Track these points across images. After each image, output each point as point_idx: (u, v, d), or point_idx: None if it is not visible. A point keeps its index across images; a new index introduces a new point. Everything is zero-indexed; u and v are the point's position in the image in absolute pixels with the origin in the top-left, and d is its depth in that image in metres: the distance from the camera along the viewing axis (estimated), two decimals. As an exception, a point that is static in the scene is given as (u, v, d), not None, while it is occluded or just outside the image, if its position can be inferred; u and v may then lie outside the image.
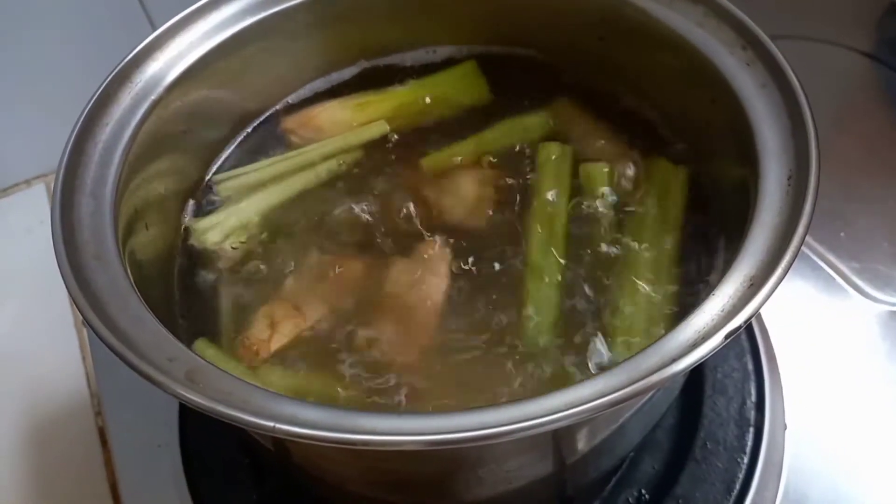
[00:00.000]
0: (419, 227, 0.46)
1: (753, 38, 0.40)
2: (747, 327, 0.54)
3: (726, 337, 0.29)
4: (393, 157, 0.50)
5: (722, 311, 0.31)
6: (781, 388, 0.54)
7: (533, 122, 0.50)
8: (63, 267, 0.34)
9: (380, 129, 0.51)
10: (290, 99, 0.53)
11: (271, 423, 0.28)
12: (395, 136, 0.51)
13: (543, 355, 0.41)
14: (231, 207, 0.48)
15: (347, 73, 0.53)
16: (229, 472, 0.52)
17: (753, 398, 0.52)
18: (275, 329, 0.43)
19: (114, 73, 0.42)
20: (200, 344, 0.42)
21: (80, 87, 0.43)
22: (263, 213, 0.48)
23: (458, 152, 0.49)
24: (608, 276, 0.43)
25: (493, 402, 0.30)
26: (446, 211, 0.47)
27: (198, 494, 0.51)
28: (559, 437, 0.38)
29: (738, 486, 0.49)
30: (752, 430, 0.51)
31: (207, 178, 0.49)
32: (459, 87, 0.52)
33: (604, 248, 0.44)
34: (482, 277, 0.44)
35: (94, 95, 0.41)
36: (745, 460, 0.50)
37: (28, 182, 0.84)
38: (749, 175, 0.37)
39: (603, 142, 0.49)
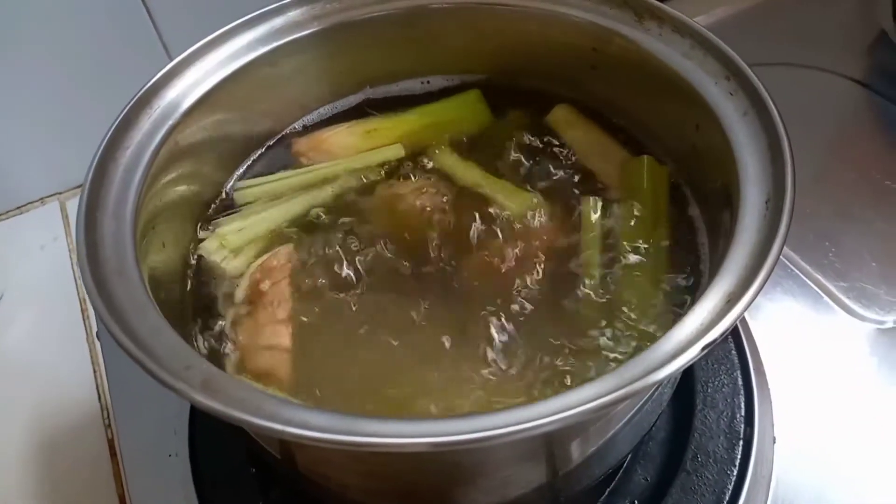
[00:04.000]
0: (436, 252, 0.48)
1: (737, 69, 0.43)
2: (737, 344, 0.56)
3: (703, 348, 0.31)
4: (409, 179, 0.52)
5: (701, 325, 0.33)
6: (771, 402, 0.56)
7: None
8: (87, 282, 0.36)
9: (396, 151, 0.53)
10: (301, 123, 0.55)
11: (282, 427, 0.30)
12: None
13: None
14: (246, 220, 0.50)
15: (353, 100, 0.56)
16: (237, 480, 0.53)
17: (743, 412, 0.53)
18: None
19: (134, 99, 0.44)
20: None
21: (93, 110, 0.45)
22: (278, 227, 0.50)
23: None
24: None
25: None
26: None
27: (206, 503, 0.53)
28: (552, 446, 0.40)
29: (727, 498, 0.50)
30: (741, 443, 0.52)
31: (219, 198, 0.52)
32: (464, 114, 0.55)
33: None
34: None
35: (116, 120, 0.43)
36: (735, 472, 0.51)
37: (42, 200, 0.85)
38: (731, 197, 0.40)
39: (598, 146, 0.52)
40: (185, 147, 0.46)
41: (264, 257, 0.48)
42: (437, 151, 0.52)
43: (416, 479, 0.41)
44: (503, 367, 0.43)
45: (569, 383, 0.41)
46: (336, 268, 0.48)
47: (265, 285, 0.46)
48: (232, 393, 0.32)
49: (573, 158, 0.52)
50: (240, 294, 0.47)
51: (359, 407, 0.42)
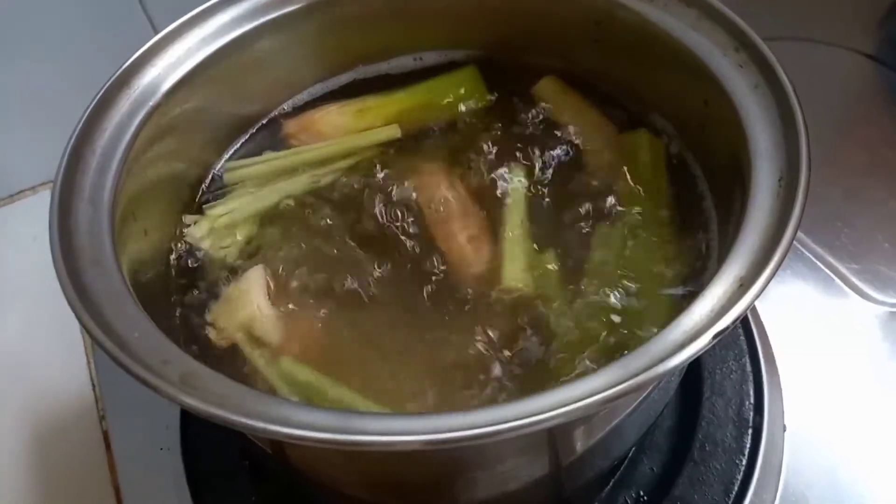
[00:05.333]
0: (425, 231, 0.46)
1: (746, 40, 0.41)
2: (746, 329, 0.55)
3: (714, 337, 0.29)
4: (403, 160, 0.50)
5: (711, 311, 0.31)
6: (781, 389, 0.54)
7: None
8: (60, 271, 0.34)
9: (391, 132, 0.51)
10: (290, 104, 0.53)
11: (264, 425, 0.28)
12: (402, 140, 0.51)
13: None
14: (236, 202, 0.48)
15: (344, 78, 0.54)
16: (229, 475, 0.52)
17: (752, 399, 0.52)
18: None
19: (112, 79, 0.43)
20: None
21: (85, 94, 0.43)
22: (266, 210, 0.48)
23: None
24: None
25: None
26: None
27: (199, 497, 0.51)
28: (554, 438, 0.38)
29: (736, 488, 0.49)
30: (750, 431, 0.51)
31: (207, 182, 0.50)
32: (459, 91, 0.52)
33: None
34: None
35: (92, 101, 0.42)
36: (744, 462, 0.50)
37: (34, 189, 0.84)
38: (742, 174, 0.38)
39: (591, 118, 0.50)
40: (168, 129, 0.45)
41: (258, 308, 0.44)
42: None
43: (412, 472, 0.40)
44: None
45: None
46: (330, 254, 0.46)
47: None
48: (212, 389, 0.31)
49: (559, 135, 0.50)
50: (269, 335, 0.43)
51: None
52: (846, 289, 0.61)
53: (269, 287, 0.44)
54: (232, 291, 0.44)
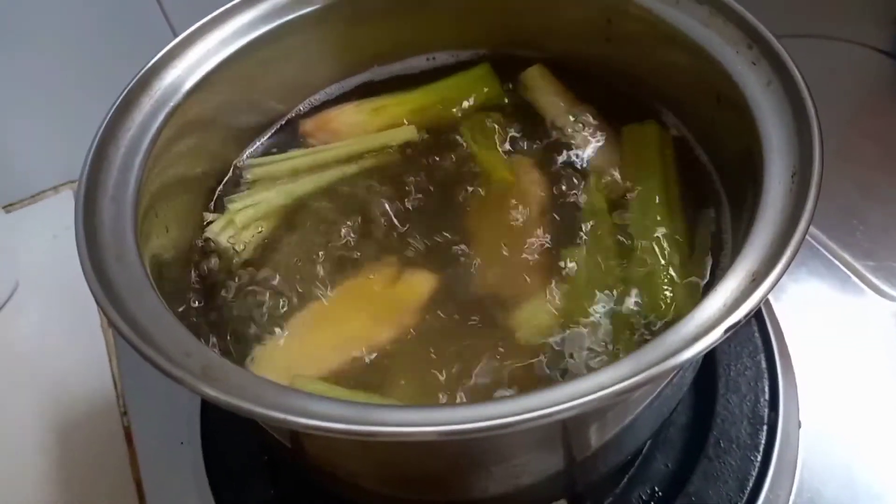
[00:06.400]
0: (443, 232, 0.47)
1: (759, 37, 0.41)
2: (761, 326, 0.55)
3: (727, 331, 0.29)
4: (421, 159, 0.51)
5: (724, 305, 0.31)
6: (796, 386, 0.54)
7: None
8: (85, 266, 0.35)
9: (409, 133, 0.52)
10: (307, 104, 0.54)
11: (283, 415, 0.29)
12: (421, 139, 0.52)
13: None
14: (254, 197, 0.49)
15: (360, 78, 0.54)
16: (248, 469, 0.53)
17: (767, 396, 0.52)
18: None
19: (135, 80, 0.43)
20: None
21: (106, 95, 0.44)
22: (286, 207, 0.49)
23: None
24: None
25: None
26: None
27: (218, 490, 0.52)
28: (569, 432, 0.38)
29: (751, 484, 0.49)
30: (765, 428, 0.51)
31: (226, 180, 0.51)
32: (474, 89, 0.53)
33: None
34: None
35: (115, 102, 0.43)
36: (759, 458, 0.50)
37: (56, 189, 0.85)
38: (755, 170, 0.38)
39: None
40: (189, 128, 0.45)
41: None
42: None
43: (428, 465, 0.40)
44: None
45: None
46: (346, 251, 0.47)
47: None
48: (233, 380, 0.31)
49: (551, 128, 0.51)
50: None
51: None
52: (862, 286, 0.60)
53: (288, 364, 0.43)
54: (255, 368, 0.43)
